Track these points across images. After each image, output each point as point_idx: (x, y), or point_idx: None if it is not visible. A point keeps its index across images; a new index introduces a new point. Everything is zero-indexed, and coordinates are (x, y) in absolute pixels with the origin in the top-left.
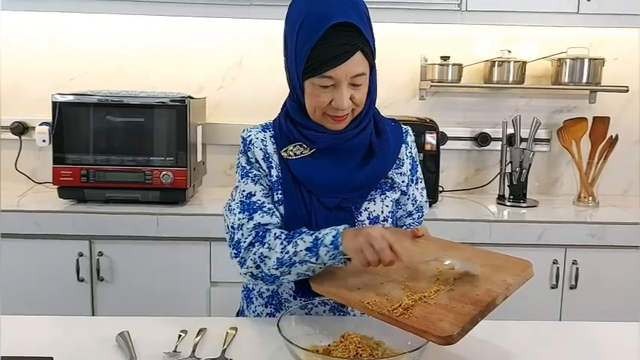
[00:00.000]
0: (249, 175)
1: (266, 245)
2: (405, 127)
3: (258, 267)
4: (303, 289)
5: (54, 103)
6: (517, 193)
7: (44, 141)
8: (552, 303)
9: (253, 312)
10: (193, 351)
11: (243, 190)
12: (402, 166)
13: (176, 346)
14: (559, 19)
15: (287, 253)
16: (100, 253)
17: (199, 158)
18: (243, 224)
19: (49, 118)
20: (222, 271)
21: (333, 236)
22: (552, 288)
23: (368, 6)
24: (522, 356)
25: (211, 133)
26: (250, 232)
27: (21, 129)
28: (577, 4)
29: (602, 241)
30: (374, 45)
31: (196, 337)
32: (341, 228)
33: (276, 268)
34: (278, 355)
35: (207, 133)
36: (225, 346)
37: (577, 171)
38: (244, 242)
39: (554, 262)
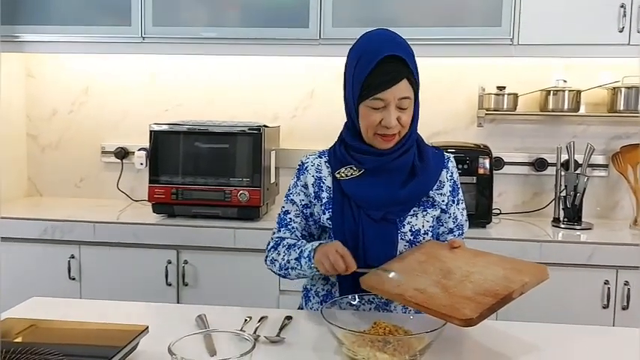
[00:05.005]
0: (290, 196)
1: (276, 252)
2: (447, 154)
3: (272, 266)
4: (346, 290)
5: (151, 132)
6: (572, 216)
7: (141, 164)
8: (604, 323)
9: (310, 308)
10: (255, 331)
11: (283, 207)
12: (443, 187)
13: (242, 327)
14: (610, 50)
15: (284, 260)
16: (186, 262)
17: (272, 180)
18: (274, 232)
19: (146, 144)
20: (290, 280)
21: (309, 251)
22: (604, 308)
23: (428, 43)
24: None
25: (284, 157)
26: (275, 239)
27: (122, 154)
28: (628, 36)
29: None
30: (418, 77)
31: (258, 321)
32: (316, 244)
33: (280, 270)
34: (322, 336)
35: (281, 157)
36: (280, 329)
37: (633, 196)
38: (269, 245)
39: (605, 283)
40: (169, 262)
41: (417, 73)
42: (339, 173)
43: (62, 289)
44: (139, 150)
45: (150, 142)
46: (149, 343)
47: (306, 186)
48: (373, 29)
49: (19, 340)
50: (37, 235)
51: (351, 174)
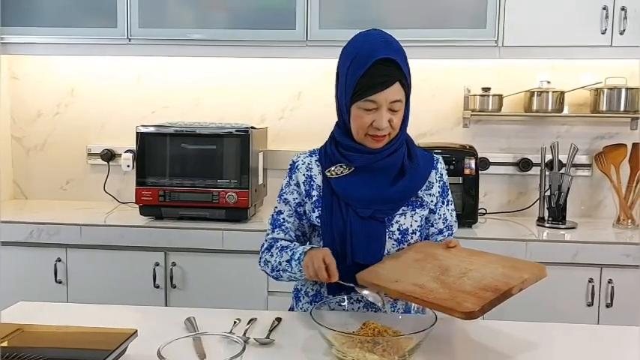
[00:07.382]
0: (283, 196)
1: (269, 253)
2: (436, 156)
3: (266, 267)
4: (333, 289)
5: (137, 133)
6: (556, 215)
7: (128, 166)
8: (589, 320)
9: (301, 308)
10: (245, 333)
11: (276, 207)
12: (432, 188)
13: (231, 329)
14: (593, 52)
15: (276, 262)
16: (174, 264)
17: (260, 181)
18: (268, 233)
19: (133, 146)
20: (278, 282)
21: (300, 254)
22: (588, 306)
23: (414, 44)
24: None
25: (272, 159)
26: (269, 240)
27: (109, 156)
28: (610, 38)
29: (636, 261)
30: (410, 80)
31: (247, 324)
32: (307, 247)
33: (272, 271)
34: (312, 338)
35: (269, 158)
36: (269, 331)
37: (616, 195)
38: (263, 247)
39: (589, 281)
40: (157, 264)
41: (410, 76)
42: (329, 171)
43: (49, 292)
44: (126, 152)
45: (137, 143)
46: (138, 347)
47: (298, 184)
48: (367, 30)
49: (5, 344)
50: (23, 239)
51: (341, 172)
